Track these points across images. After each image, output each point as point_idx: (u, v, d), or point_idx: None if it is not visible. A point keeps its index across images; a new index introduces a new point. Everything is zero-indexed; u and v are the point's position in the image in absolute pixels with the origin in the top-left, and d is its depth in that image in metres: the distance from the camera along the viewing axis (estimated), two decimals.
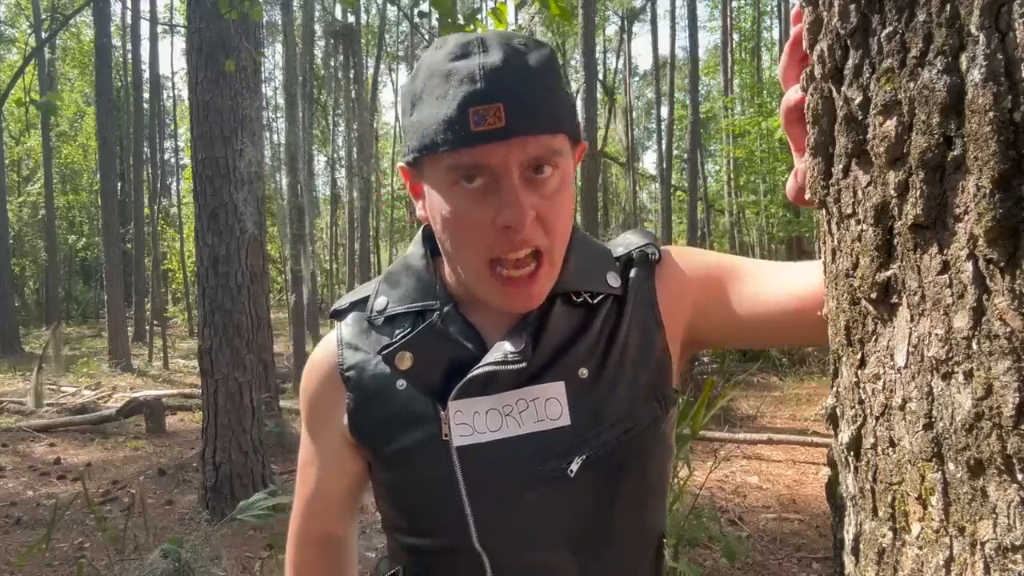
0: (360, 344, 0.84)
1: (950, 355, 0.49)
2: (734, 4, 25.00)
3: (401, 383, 0.80)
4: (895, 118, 0.51)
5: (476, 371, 0.76)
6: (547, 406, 0.77)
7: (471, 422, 0.77)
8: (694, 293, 0.84)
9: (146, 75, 19.79)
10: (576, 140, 0.76)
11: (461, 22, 3.29)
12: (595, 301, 0.81)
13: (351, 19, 18.36)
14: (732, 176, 21.31)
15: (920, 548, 0.50)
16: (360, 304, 0.87)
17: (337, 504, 0.92)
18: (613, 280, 0.83)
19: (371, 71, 22.87)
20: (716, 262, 0.86)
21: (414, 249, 0.88)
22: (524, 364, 0.76)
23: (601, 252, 0.86)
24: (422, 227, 0.87)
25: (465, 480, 0.77)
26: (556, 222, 0.73)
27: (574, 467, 0.77)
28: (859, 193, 0.60)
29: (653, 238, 0.88)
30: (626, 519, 0.82)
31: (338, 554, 0.94)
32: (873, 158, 0.55)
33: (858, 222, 0.59)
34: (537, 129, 0.69)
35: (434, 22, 3.38)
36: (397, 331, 0.82)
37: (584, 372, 0.79)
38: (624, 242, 0.88)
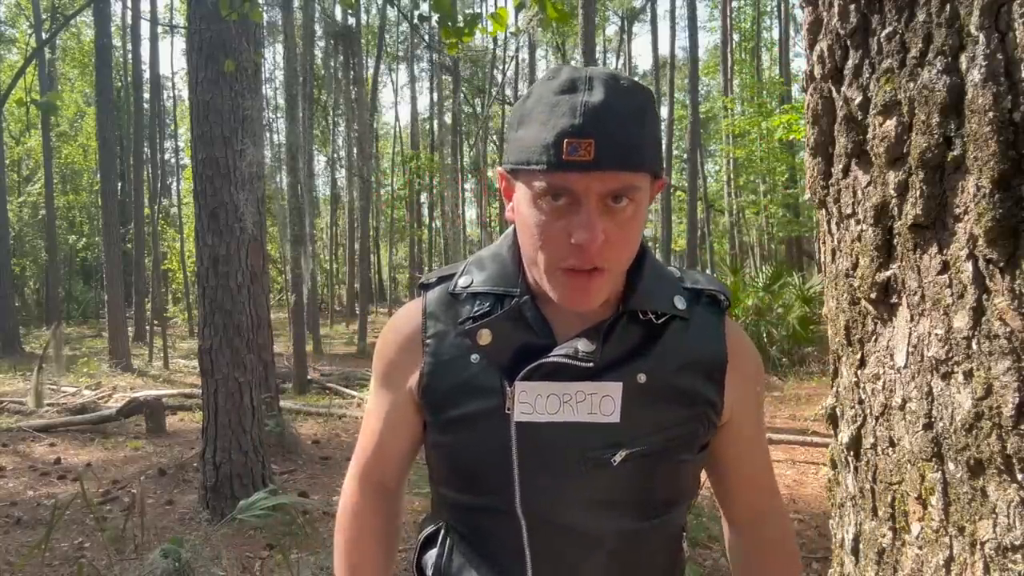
0: (441, 315, 0.94)
1: (950, 355, 0.49)
2: (734, 4, 25.00)
3: (475, 357, 0.90)
4: (895, 118, 0.51)
5: (548, 358, 0.86)
6: (602, 402, 0.87)
7: (532, 402, 0.87)
8: (735, 397, 0.93)
9: (146, 75, 19.79)
10: (657, 176, 0.84)
11: (461, 24, 3.28)
12: (660, 321, 0.90)
13: (351, 20, 18.37)
14: (732, 176, 21.30)
15: (920, 548, 0.50)
16: (446, 279, 0.97)
17: (393, 458, 1.02)
18: (680, 303, 0.91)
19: (371, 71, 22.87)
20: (757, 415, 0.98)
21: (503, 241, 0.97)
22: (592, 364, 0.85)
23: (669, 277, 0.95)
24: (513, 224, 0.95)
25: (518, 451, 0.88)
26: (624, 245, 0.82)
27: (617, 458, 0.87)
28: (859, 193, 0.60)
29: (726, 287, 0.97)
30: (655, 511, 0.91)
31: (386, 505, 1.05)
32: (873, 158, 0.55)
33: (858, 222, 0.59)
34: (621, 166, 0.77)
35: (434, 23, 3.37)
36: (477, 307, 0.92)
37: (643, 378, 0.87)
38: (692, 278, 0.97)
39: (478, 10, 30.19)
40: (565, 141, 0.77)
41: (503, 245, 0.97)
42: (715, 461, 0.98)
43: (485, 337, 0.89)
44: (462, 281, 0.95)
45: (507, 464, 0.88)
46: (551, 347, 0.88)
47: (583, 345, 0.86)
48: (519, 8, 3.34)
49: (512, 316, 0.89)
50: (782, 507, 1.03)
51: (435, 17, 3.30)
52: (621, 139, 0.77)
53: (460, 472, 0.94)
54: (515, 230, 0.94)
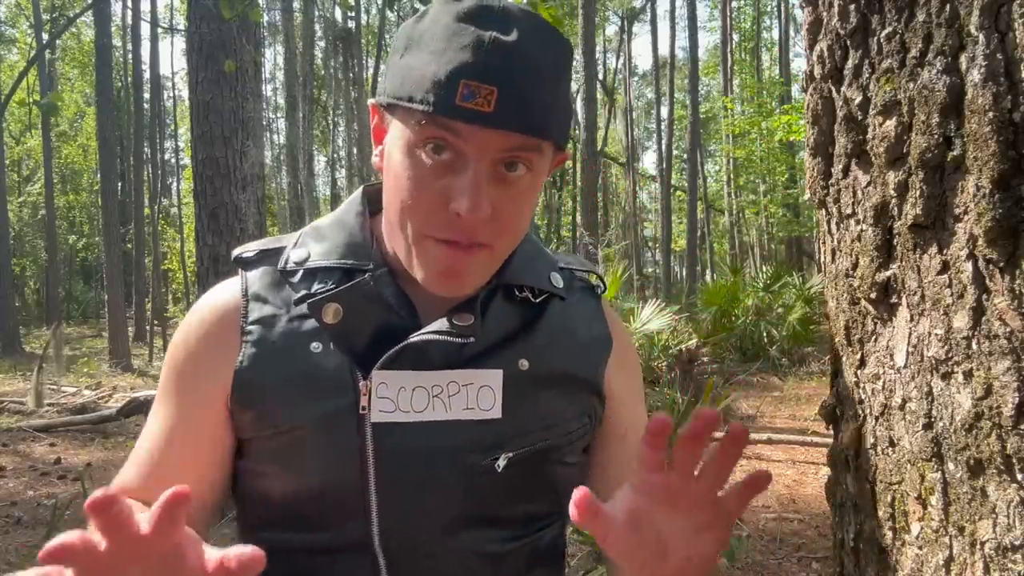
0: (270, 297, 0.74)
1: (950, 355, 0.49)
2: (734, 4, 25.01)
3: (316, 345, 0.70)
4: (895, 118, 0.51)
5: (416, 338, 0.69)
6: (480, 394, 0.71)
7: (395, 397, 0.69)
8: (620, 385, 0.82)
9: (146, 75, 19.82)
10: (561, 149, 0.71)
11: None
12: (538, 300, 0.77)
13: (351, 23, 18.39)
14: (732, 176, 21.32)
15: (920, 548, 0.50)
16: (272, 254, 0.77)
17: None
18: (557, 281, 0.79)
19: (371, 71, 22.88)
20: (642, 409, 0.85)
21: (349, 207, 0.79)
22: (472, 339, 0.70)
23: (544, 254, 0.82)
24: (362, 185, 0.81)
25: (376, 461, 0.69)
26: (512, 222, 0.68)
27: (501, 463, 0.71)
28: (859, 193, 0.60)
29: (598, 269, 0.86)
30: (535, 524, 0.77)
31: None
32: (873, 158, 0.55)
33: (858, 222, 0.59)
34: (523, 128, 0.63)
35: None
36: (317, 286, 0.72)
37: (525, 364, 0.73)
38: (564, 258, 0.85)
39: None
40: (462, 82, 0.60)
41: (349, 211, 0.78)
42: (603, 463, 0.81)
43: (332, 314, 0.70)
44: (295, 255, 0.75)
45: (363, 481, 0.68)
46: (416, 329, 0.70)
47: (458, 319, 0.70)
48: None
49: (364, 291, 0.71)
50: None
51: None
52: (530, 95, 0.62)
53: (295, 501, 0.71)
54: (364, 191, 0.80)
